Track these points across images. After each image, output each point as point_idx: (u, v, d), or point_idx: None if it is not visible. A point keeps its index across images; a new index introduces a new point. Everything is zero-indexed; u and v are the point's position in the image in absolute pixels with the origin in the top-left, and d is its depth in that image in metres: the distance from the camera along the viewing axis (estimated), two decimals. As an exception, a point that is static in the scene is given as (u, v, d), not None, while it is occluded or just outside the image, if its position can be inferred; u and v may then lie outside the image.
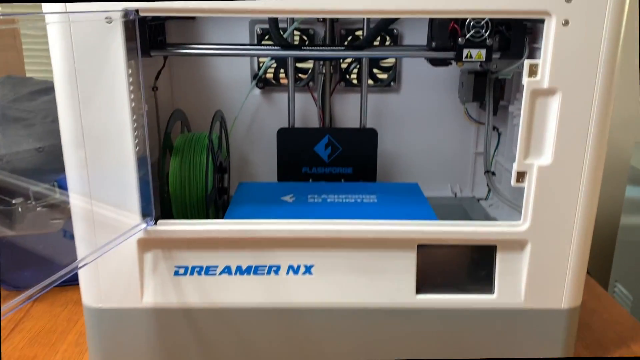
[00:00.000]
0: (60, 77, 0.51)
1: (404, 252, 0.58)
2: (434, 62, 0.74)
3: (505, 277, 0.58)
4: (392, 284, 0.58)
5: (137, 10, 0.50)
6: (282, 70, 0.84)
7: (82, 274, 0.57)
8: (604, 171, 1.40)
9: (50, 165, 0.70)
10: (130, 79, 0.52)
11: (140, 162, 0.54)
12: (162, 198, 0.70)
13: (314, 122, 0.84)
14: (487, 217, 0.78)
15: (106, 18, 0.49)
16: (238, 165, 0.86)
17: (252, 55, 0.81)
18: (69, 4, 0.48)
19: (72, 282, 0.71)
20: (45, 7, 0.48)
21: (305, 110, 0.84)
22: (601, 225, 1.53)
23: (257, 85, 0.83)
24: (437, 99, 0.83)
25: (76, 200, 0.54)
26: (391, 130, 0.84)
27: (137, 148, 0.53)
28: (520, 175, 0.55)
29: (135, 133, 0.53)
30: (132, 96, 0.52)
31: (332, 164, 0.82)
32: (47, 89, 0.74)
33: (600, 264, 1.45)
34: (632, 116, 1.43)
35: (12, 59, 1.04)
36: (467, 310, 0.59)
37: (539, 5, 0.49)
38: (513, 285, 0.58)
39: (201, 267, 0.57)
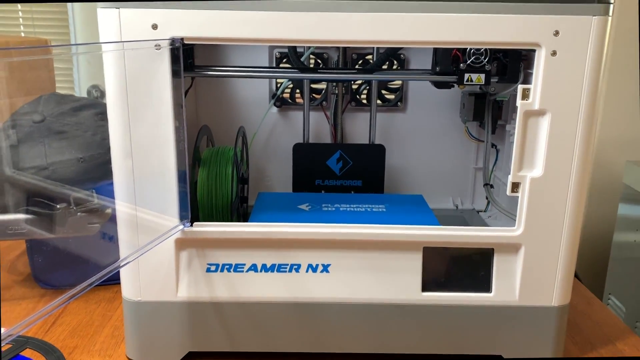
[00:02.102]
0: (113, 96, 0.58)
1: (411, 253, 0.64)
2: (438, 84, 0.81)
3: (502, 277, 0.65)
4: (400, 282, 0.64)
5: (182, 39, 0.57)
6: (297, 91, 0.90)
7: (123, 271, 0.64)
8: (598, 189, 1.50)
9: (89, 174, 0.77)
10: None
11: (179, 170, 0.61)
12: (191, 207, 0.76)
13: (327, 138, 0.91)
14: (486, 227, 0.84)
15: (156, 45, 0.56)
16: (256, 177, 0.92)
17: (271, 77, 0.89)
18: (124, 34, 0.55)
19: (104, 282, 0.78)
20: (103, 37, 0.56)
21: (318, 127, 0.91)
22: (596, 241, 1.60)
23: (275, 104, 0.90)
24: (440, 118, 0.90)
25: (122, 206, 0.61)
26: (398, 147, 0.91)
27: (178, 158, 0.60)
28: (515, 186, 0.62)
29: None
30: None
31: (343, 177, 0.88)
32: (87, 105, 0.81)
33: (595, 277, 1.51)
34: (623, 136, 1.50)
35: (44, 77, 1.12)
36: (468, 306, 0.65)
37: (530, 38, 0.57)
38: (508, 285, 0.65)
39: (230, 265, 0.64)
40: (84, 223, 0.77)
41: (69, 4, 1.80)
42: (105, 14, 0.56)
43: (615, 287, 1.39)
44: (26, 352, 0.57)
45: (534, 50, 0.58)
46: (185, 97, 0.81)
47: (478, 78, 0.72)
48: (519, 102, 0.59)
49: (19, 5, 1.88)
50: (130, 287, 0.64)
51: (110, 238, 0.77)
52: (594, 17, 0.56)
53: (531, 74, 0.71)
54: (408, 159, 0.92)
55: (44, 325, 0.74)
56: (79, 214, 0.75)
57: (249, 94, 0.89)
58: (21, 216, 0.74)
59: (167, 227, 0.61)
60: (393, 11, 0.56)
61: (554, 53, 0.57)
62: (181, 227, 0.61)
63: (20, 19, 1.90)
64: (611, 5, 0.56)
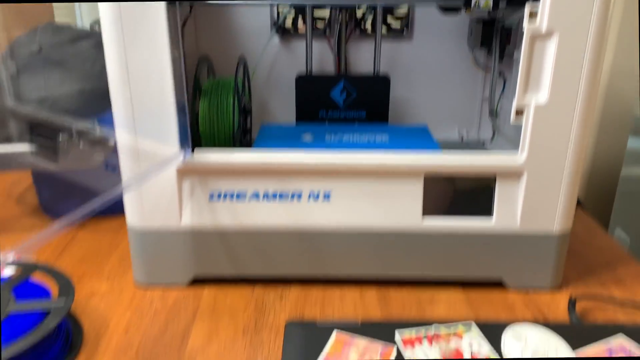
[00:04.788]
0: (107, 22, 0.56)
1: (412, 180, 0.64)
2: (445, 9, 0.79)
3: (503, 203, 0.65)
4: (401, 210, 0.65)
5: (176, -41, 0.55)
6: (300, 18, 0.88)
7: (127, 199, 0.64)
8: (608, 121, 1.47)
9: (90, 106, 0.77)
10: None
11: (178, 99, 0.60)
12: (192, 137, 0.76)
13: (330, 69, 0.89)
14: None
15: (149, -34, 0.54)
16: (259, 109, 0.91)
17: (271, 3, 0.86)
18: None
19: (112, 212, 0.79)
20: (95, -44, 0.54)
21: (322, 57, 0.89)
22: (603, 174, 1.58)
23: (276, 32, 0.88)
24: (447, 46, 0.88)
25: (122, 135, 0.61)
26: (403, 77, 0.89)
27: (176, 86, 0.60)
28: (519, 112, 0.61)
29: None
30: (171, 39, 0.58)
31: (346, 109, 0.87)
32: (85, 35, 0.80)
33: (602, 210, 1.51)
34: (637, 67, 1.45)
35: (42, 9, 1.09)
36: (469, 233, 0.66)
37: (539, -47, 0.54)
38: (510, 211, 0.65)
39: (232, 193, 0.64)
40: (87, 154, 0.77)
41: None
42: None
43: (621, 221, 1.39)
44: (36, 277, 0.58)
45: (543, -31, 0.56)
46: (184, 26, 0.79)
47: (486, 2, 0.69)
48: (525, 21, 0.57)
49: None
50: (134, 215, 0.65)
51: (113, 169, 0.77)
52: None
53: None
54: (414, 89, 0.90)
55: (53, 253, 0.76)
56: (82, 145, 0.76)
57: (250, 23, 0.88)
58: (26, 147, 0.75)
59: (168, 155, 0.61)
60: None
61: (564, -30, 0.55)
62: (182, 154, 0.61)
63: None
64: None
